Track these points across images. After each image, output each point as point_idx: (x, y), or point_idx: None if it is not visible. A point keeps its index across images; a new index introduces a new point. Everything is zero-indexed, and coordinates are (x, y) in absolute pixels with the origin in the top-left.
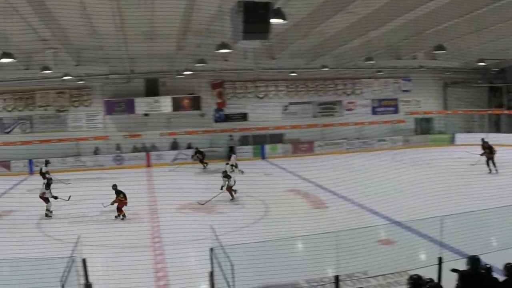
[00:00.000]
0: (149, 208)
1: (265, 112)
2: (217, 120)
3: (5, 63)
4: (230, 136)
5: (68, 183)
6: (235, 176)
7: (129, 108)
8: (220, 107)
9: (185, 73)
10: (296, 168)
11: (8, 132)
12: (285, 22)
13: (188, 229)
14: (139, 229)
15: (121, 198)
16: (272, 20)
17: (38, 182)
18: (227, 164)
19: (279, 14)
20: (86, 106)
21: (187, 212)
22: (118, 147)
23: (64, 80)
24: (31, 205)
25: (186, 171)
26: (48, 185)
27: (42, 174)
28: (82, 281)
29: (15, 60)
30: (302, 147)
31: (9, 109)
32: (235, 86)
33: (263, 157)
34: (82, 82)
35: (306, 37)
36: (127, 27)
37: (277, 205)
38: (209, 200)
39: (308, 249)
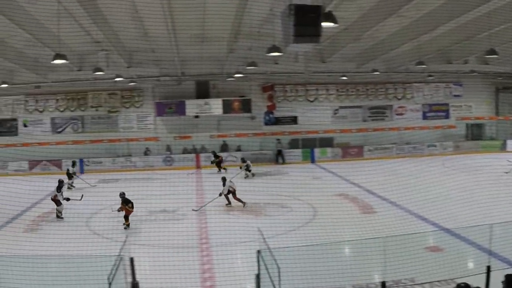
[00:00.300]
0: (197, 209)
1: (315, 115)
2: (267, 123)
3: (58, 64)
4: (278, 139)
5: (94, 185)
6: (233, 184)
7: (180, 110)
8: (270, 110)
9: (236, 75)
10: (345, 173)
11: (60, 132)
12: (336, 25)
13: (235, 231)
14: (186, 230)
15: (129, 207)
16: (323, 24)
17: (88, 181)
18: (240, 167)
19: (330, 17)
20: (137, 107)
21: (235, 214)
22: (168, 148)
23: (116, 81)
24: (80, 203)
25: (235, 173)
26: (59, 188)
27: (69, 175)
28: (129, 279)
29: (68, 61)
30: (351, 152)
31: (62, 109)
32: (285, 89)
33: (312, 160)
34: (134, 83)
35: (357, 41)
36: (179, 29)
37: (325, 209)
38: (203, 206)
39: (355, 254)
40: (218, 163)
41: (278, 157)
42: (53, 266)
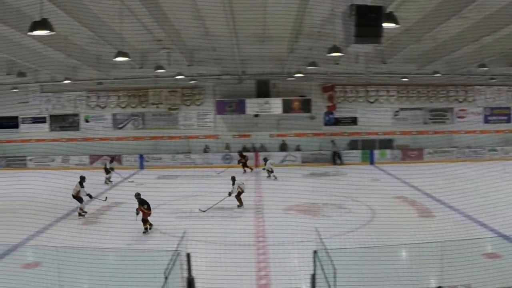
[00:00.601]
0: (254, 208)
1: (375, 117)
2: (327, 123)
3: (120, 61)
4: (332, 141)
5: (131, 181)
6: (243, 184)
7: (240, 108)
8: (330, 110)
9: (296, 75)
10: (404, 175)
11: (121, 128)
12: (397, 26)
13: (292, 231)
14: (244, 228)
15: (145, 209)
16: (384, 24)
17: (147, 176)
18: (263, 169)
19: (391, 18)
20: (198, 105)
21: (293, 214)
22: (227, 146)
23: (177, 79)
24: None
25: (294, 173)
26: (81, 184)
27: (106, 170)
28: (185, 274)
29: (130, 59)
30: (411, 154)
31: (123, 105)
32: (345, 89)
33: (371, 162)
34: (194, 81)
35: (418, 42)
36: (240, 29)
37: (383, 211)
38: (211, 207)
39: (412, 257)
40: (244, 163)
41: (335, 158)
42: (111, 259)
